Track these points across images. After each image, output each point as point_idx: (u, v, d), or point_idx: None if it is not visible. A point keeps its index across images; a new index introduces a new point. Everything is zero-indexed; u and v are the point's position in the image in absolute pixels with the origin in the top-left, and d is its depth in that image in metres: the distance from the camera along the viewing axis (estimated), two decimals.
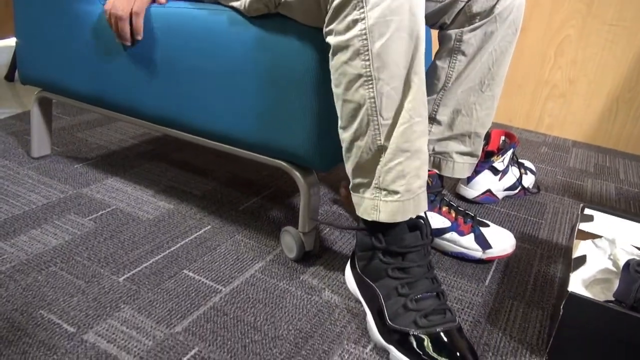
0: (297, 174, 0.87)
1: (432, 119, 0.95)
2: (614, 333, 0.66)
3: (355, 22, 0.65)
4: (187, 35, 0.89)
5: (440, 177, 0.98)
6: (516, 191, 1.23)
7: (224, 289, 0.82)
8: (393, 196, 0.71)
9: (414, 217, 0.72)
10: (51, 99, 1.20)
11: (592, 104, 1.71)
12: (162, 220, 1.01)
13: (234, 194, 1.15)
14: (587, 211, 0.99)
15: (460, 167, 0.97)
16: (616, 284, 0.73)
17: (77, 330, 0.71)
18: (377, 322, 0.73)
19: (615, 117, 1.69)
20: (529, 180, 1.27)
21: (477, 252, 0.93)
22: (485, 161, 1.17)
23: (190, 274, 0.86)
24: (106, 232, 0.96)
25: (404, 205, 0.71)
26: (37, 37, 1.10)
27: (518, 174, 1.22)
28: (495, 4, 0.84)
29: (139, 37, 0.92)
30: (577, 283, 0.76)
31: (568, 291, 0.67)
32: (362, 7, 0.64)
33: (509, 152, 1.19)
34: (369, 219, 0.73)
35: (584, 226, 0.92)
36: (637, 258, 0.71)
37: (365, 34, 0.64)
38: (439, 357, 0.65)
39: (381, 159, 0.70)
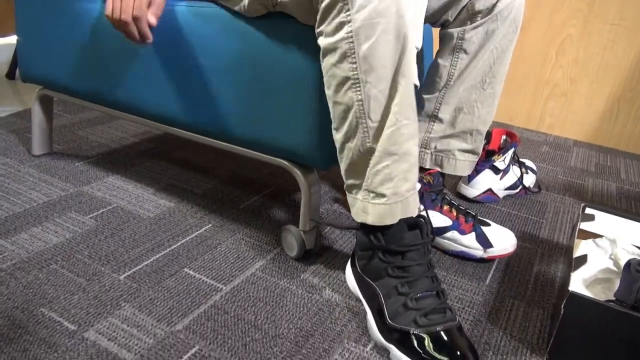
0: (298, 172, 0.87)
1: (434, 117, 0.95)
2: (615, 333, 0.66)
3: (342, 24, 0.64)
4: (188, 33, 0.89)
5: (442, 175, 0.98)
6: (517, 190, 1.23)
7: (224, 288, 0.82)
8: (380, 199, 0.71)
9: (406, 218, 0.72)
10: (52, 96, 1.19)
11: (593, 104, 1.70)
12: (162, 219, 1.01)
13: (235, 193, 1.15)
14: (588, 210, 0.98)
15: (462, 164, 0.97)
16: (617, 284, 0.73)
17: (77, 328, 0.71)
18: (377, 321, 0.73)
19: (616, 117, 1.68)
20: (529, 180, 1.27)
21: (478, 251, 0.93)
22: (486, 160, 1.17)
23: (191, 272, 0.86)
24: (107, 230, 0.96)
25: (391, 209, 0.71)
26: (38, 34, 1.10)
27: (519, 173, 1.22)
28: (497, 2, 0.85)
29: (149, 41, 0.83)
30: (578, 282, 0.76)
31: (569, 291, 0.67)
32: (349, 10, 0.63)
33: (510, 152, 1.19)
34: (359, 221, 0.74)
35: (585, 226, 0.92)
36: (638, 258, 0.71)
37: (351, 36, 0.64)
38: (439, 356, 0.65)
39: (370, 161, 0.70)
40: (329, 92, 0.71)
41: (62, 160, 1.24)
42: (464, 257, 0.95)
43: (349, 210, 1.12)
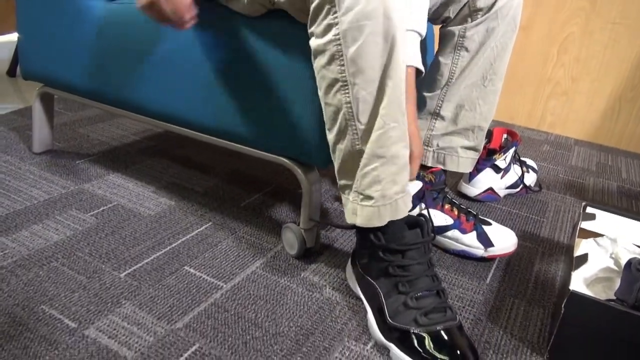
0: (298, 171, 0.87)
1: (436, 115, 0.95)
2: (615, 332, 0.66)
3: (330, 26, 0.64)
4: (189, 32, 0.89)
5: (444, 173, 0.98)
6: (518, 189, 1.23)
7: (225, 286, 0.82)
8: (368, 201, 0.71)
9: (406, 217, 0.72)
10: (53, 94, 1.19)
11: (594, 102, 1.70)
12: (163, 217, 1.01)
13: (236, 191, 1.15)
14: (589, 210, 0.98)
15: (464, 161, 0.97)
16: (618, 283, 0.73)
17: (78, 325, 0.71)
18: (377, 320, 0.73)
19: (617, 116, 1.68)
20: (530, 179, 1.27)
21: (478, 250, 0.93)
22: (487, 159, 1.17)
23: (192, 270, 0.86)
24: (107, 228, 0.96)
25: (379, 211, 0.70)
26: (38, 32, 1.10)
27: (520, 172, 1.22)
28: (496, 0, 0.86)
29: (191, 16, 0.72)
30: (579, 282, 0.76)
31: (569, 290, 0.67)
32: (336, 12, 0.63)
33: (511, 150, 1.19)
34: (349, 222, 0.74)
35: (585, 225, 0.92)
36: (639, 257, 0.71)
37: (339, 39, 0.64)
38: (439, 355, 0.65)
39: (360, 163, 0.70)
40: (320, 93, 0.71)
41: (63, 158, 1.24)
42: (464, 256, 0.95)
43: None
